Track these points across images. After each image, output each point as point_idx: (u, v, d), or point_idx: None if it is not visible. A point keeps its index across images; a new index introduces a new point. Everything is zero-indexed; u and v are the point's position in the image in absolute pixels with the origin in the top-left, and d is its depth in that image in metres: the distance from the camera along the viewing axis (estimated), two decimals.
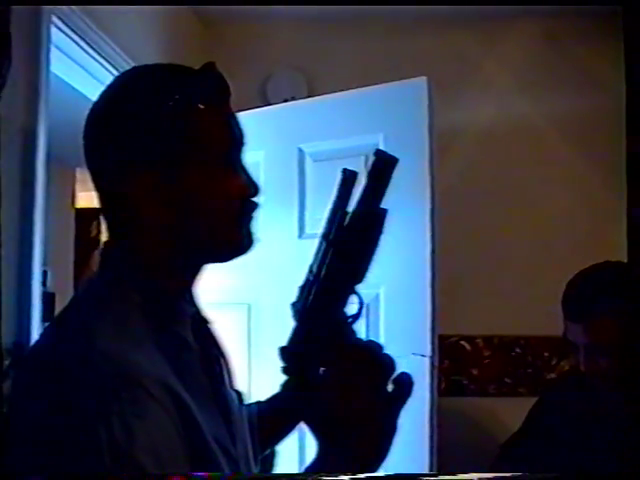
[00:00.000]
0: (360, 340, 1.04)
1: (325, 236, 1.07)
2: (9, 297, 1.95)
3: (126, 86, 1.06)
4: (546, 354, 3.45)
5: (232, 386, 1.14)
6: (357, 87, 2.84)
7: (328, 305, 1.05)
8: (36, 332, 2.01)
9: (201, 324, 1.10)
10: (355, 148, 2.70)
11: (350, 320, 1.06)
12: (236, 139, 1.05)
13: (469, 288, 3.39)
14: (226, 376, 1.13)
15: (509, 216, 3.49)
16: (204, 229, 1.02)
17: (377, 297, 2.60)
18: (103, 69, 2.56)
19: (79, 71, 2.54)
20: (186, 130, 1.00)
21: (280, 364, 1.11)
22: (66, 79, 2.56)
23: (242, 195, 1.04)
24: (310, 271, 1.09)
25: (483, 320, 3.48)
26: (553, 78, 3.57)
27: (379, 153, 1.06)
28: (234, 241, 1.05)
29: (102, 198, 1.05)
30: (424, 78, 2.62)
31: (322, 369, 1.01)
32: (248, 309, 2.99)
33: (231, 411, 1.07)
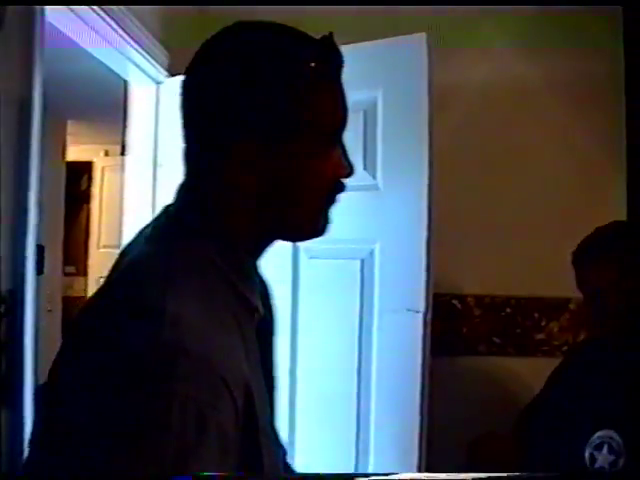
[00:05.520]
0: None
1: None
2: (4, 247, 1.96)
3: (239, 45, 0.99)
4: (536, 315, 3.46)
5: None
6: (352, 41, 2.79)
7: None
8: (30, 283, 2.01)
9: (264, 294, 1.07)
10: (353, 103, 2.66)
11: None
12: (345, 116, 1.05)
13: (463, 247, 3.39)
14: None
15: (505, 176, 3.48)
16: (292, 205, 0.99)
17: (372, 252, 2.59)
18: (101, 20, 2.52)
19: (76, 20, 2.48)
20: (301, 99, 0.98)
21: None
22: (62, 28, 2.50)
23: (338, 175, 1.03)
24: None
25: (475, 279, 3.50)
26: (551, 40, 3.53)
27: None
28: (315, 222, 1.02)
29: (192, 152, 1.01)
30: (423, 34, 2.58)
31: None
32: None
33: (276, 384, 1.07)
